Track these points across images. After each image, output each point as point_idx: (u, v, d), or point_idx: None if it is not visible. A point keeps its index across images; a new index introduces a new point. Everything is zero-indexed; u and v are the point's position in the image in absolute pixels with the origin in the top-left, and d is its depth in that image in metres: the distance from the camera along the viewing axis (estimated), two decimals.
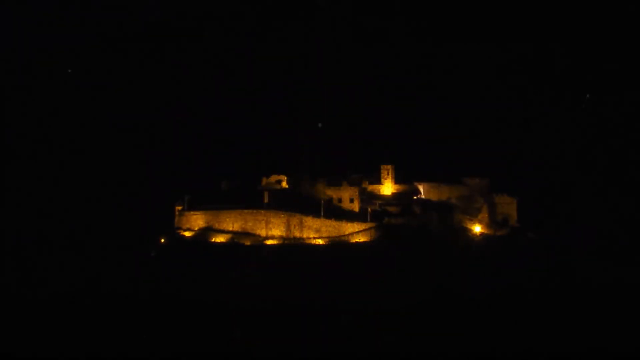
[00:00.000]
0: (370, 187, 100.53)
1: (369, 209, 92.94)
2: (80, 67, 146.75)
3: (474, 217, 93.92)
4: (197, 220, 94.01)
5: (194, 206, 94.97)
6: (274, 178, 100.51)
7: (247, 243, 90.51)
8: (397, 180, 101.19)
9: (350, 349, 70.05)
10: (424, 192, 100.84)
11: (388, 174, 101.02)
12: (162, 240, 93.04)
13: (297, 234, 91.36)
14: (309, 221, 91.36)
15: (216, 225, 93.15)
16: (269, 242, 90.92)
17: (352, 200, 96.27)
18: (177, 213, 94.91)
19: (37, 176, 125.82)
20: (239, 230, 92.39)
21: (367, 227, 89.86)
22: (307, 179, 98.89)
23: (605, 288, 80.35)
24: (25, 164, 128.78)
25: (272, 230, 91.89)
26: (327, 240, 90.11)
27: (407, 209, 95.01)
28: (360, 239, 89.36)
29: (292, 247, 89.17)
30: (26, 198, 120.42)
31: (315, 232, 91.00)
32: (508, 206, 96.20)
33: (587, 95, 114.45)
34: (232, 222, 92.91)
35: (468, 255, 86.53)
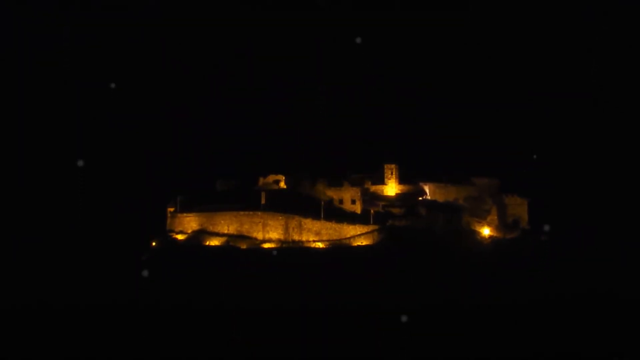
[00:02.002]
0: (373, 188, 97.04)
1: (372, 211, 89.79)
2: (78, 66, 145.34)
3: (482, 219, 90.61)
4: (190, 223, 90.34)
5: (187, 207, 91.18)
6: (271, 178, 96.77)
7: (243, 246, 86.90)
8: (401, 181, 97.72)
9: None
10: (429, 192, 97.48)
11: (392, 174, 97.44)
12: (154, 244, 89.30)
13: (296, 237, 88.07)
14: (309, 223, 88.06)
15: (210, 228, 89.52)
16: (266, 245, 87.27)
17: (353, 202, 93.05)
18: (169, 215, 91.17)
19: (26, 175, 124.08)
20: (235, 233, 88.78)
21: (369, 230, 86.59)
22: (306, 178, 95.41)
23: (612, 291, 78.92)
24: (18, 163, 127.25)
25: (270, 233, 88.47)
26: (327, 243, 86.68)
27: (411, 210, 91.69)
28: (363, 242, 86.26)
29: (291, 251, 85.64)
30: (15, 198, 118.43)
31: (315, 234, 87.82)
32: (519, 207, 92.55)
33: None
34: (227, 225, 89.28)
35: (475, 259, 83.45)
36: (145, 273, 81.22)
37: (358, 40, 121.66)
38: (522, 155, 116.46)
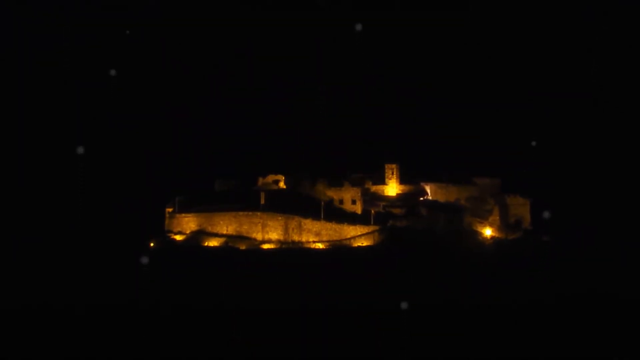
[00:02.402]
0: (374, 188, 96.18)
1: (372, 211, 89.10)
2: (77, 66, 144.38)
3: (484, 219, 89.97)
4: (188, 223, 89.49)
5: (185, 208, 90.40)
6: (270, 178, 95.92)
7: (242, 247, 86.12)
8: (402, 181, 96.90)
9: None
10: (430, 193, 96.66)
11: (393, 174, 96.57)
12: (152, 245, 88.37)
13: (296, 238, 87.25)
14: (308, 224, 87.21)
15: (209, 229, 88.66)
16: (266, 246, 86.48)
17: (354, 202, 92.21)
18: (167, 215, 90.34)
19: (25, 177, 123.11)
20: (234, 233, 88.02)
21: (370, 230, 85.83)
22: (306, 179, 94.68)
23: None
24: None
25: (269, 233, 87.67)
26: (327, 244, 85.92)
27: (412, 210, 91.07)
28: (363, 242, 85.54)
29: (290, 252, 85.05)
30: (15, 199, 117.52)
31: (315, 235, 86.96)
32: (521, 208, 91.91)
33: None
34: (226, 225, 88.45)
35: (477, 260, 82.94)
36: (145, 260, 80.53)
37: (359, 27, 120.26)
38: (524, 155, 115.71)
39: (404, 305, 71.16)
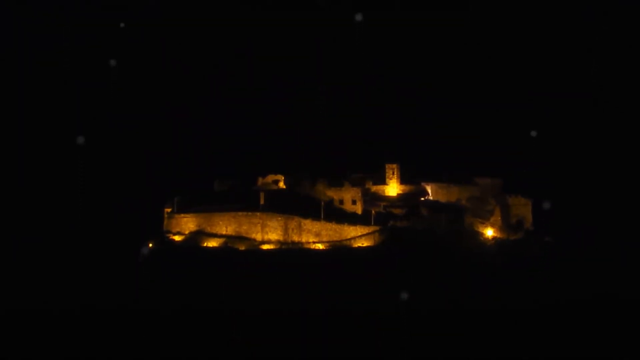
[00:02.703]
0: (374, 188, 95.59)
1: (373, 211, 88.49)
2: (76, 65, 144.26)
3: (485, 219, 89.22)
4: (187, 224, 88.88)
5: (184, 208, 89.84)
6: (270, 178, 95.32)
7: (242, 248, 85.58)
8: (402, 181, 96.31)
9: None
10: (431, 193, 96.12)
11: (393, 174, 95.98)
12: (150, 245, 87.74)
13: (296, 238, 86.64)
14: (308, 224, 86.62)
15: (208, 229, 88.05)
16: (265, 246, 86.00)
17: (354, 202, 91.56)
18: (166, 215, 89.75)
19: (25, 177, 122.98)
20: (233, 234, 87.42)
21: (370, 231, 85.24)
22: (306, 179, 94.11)
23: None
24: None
25: (269, 234, 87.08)
26: (327, 244, 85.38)
27: (413, 211, 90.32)
28: (364, 243, 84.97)
29: (290, 252, 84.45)
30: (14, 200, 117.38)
31: (315, 236, 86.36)
32: (523, 208, 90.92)
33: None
34: (225, 226, 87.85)
35: (478, 260, 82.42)
36: (145, 251, 80.00)
37: (359, 17, 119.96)
38: (525, 155, 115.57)
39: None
